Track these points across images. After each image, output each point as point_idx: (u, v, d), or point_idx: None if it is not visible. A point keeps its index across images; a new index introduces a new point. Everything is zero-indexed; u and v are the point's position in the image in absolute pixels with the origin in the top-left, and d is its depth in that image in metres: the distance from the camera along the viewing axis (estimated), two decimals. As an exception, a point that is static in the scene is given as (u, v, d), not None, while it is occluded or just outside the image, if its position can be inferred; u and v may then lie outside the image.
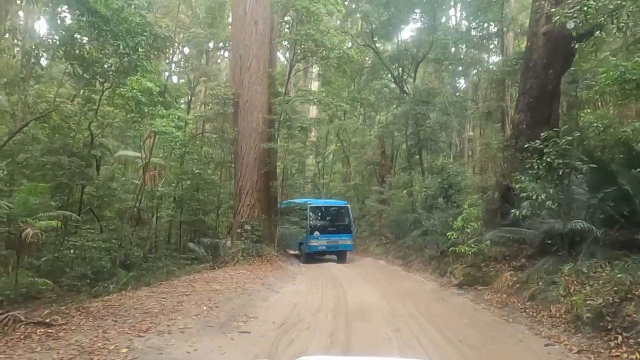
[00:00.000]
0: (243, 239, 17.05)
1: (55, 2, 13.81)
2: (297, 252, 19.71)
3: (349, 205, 19.96)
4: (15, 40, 19.34)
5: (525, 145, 10.21)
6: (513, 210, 9.72)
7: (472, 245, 11.15)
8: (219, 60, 29.46)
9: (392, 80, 25.02)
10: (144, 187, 17.05)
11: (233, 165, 19.76)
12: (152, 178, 23.91)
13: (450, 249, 11.71)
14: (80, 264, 13.40)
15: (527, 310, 8.51)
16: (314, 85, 31.81)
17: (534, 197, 9.09)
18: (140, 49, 13.92)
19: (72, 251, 13.04)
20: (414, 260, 17.04)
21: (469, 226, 11.71)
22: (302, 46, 17.98)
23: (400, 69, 25.48)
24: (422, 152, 21.85)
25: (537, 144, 9.63)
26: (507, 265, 11.17)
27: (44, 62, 20.66)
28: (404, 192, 20.09)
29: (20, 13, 19.75)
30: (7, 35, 19.97)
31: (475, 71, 19.12)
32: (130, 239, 14.92)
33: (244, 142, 17.92)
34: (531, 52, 12.50)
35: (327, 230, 19.05)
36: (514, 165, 11.81)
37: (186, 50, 24.44)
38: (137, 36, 13.28)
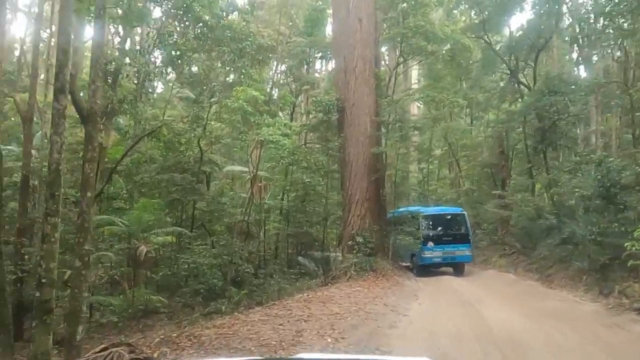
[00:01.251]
0: (355, 252, 15.53)
1: (165, 17, 13.48)
2: (408, 264, 17.75)
3: (465, 213, 17.73)
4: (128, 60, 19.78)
5: None
6: None
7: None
8: (318, 70, 28.59)
9: (508, 73, 22.18)
10: (252, 200, 16.27)
11: (340, 174, 18.38)
12: (259, 191, 23.44)
13: (629, 263, 9.11)
14: (193, 281, 12.73)
15: None
16: (414, 86, 29.76)
17: None
18: (245, 55, 13.14)
19: (186, 266, 12.39)
20: (554, 274, 14.33)
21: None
22: (410, 42, 16.22)
23: (515, 60, 22.57)
24: (546, 150, 18.87)
25: None
26: None
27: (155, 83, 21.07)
28: (536, 194, 17.29)
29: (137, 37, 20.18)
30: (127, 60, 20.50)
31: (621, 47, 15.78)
32: (240, 254, 14.07)
33: (351, 148, 16.49)
34: None
35: (442, 240, 16.98)
36: None
37: (285, 62, 23.77)
38: (242, 42, 12.48)
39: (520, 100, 22.23)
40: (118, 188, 19.50)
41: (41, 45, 20.32)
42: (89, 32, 15.23)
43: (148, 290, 15.24)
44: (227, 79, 16.17)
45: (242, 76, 13.22)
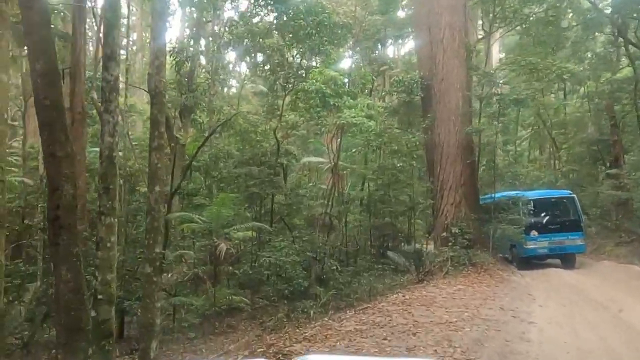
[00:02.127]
0: (450, 244, 13.67)
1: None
2: (506, 255, 15.48)
3: (574, 196, 15.03)
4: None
5: None
6: None
7: None
8: (391, 54, 26.53)
9: (614, 34, 18.97)
10: (333, 191, 14.92)
11: (426, 159, 16.49)
12: (339, 181, 22.06)
13: None
14: (276, 280, 11.60)
15: None
16: (495, 59, 26.72)
17: None
18: (322, 30, 11.72)
19: (267, 262, 11.26)
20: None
21: None
22: (504, 3, 13.94)
23: (622, 20, 19.23)
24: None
25: None
26: None
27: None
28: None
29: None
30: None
31: None
32: (324, 249, 12.74)
33: (441, 129, 14.57)
34: None
35: (549, 228, 14.55)
36: None
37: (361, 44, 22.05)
38: (319, 15, 11.06)
39: (630, 65, 18.98)
40: (198, 184, 19.05)
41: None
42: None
43: (230, 288, 14.45)
44: (303, 61, 14.83)
45: (318, 54, 11.79)
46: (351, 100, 12.15)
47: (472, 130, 13.96)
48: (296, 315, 10.33)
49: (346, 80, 13.24)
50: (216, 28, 15.63)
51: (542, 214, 15.06)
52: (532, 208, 14.82)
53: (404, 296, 10.29)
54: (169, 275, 12.25)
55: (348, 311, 9.35)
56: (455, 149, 14.40)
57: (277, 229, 17.14)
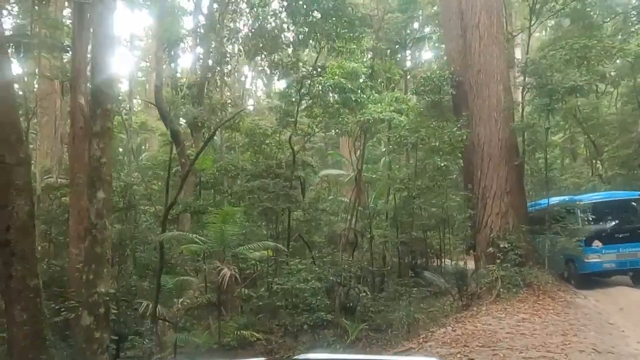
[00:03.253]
0: (499, 261, 11.30)
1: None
2: (560, 272, 12.93)
3: None
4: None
5: None
6: None
7: None
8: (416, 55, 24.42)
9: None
10: (357, 204, 12.77)
11: (462, 164, 14.22)
12: (362, 193, 19.86)
13: None
14: (292, 311, 9.40)
15: None
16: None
17: None
18: (337, 17, 9.72)
19: (280, 290, 9.10)
20: None
21: None
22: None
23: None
24: None
25: None
26: None
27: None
28: None
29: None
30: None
31: None
32: (349, 271, 10.53)
33: (481, 127, 12.32)
34: None
35: (616, 237, 11.97)
36: None
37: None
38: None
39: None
40: (208, 200, 17.12)
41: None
42: None
43: (244, 314, 12.30)
44: (319, 60, 12.85)
45: (336, 41, 9.78)
46: (376, 95, 10.07)
47: (520, 127, 11.66)
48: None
49: (369, 73, 11.16)
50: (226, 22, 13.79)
51: (607, 221, 12.50)
52: (594, 214, 12.24)
53: (454, 330, 8.01)
54: (174, 307, 10.20)
55: (386, 355, 7.10)
56: (499, 150, 12.10)
57: (295, 247, 15.07)
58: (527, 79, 12.12)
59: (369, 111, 9.71)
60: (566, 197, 13.33)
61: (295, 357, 2.19)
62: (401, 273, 16.62)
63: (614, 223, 12.34)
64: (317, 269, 10.52)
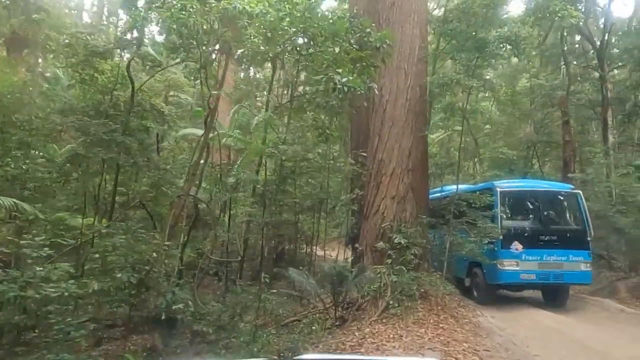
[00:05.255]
0: (389, 262, 8.13)
1: None
2: (460, 276, 10.14)
3: (580, 193, 9.63)
4: None
5: None
6: None
7: None
8: None
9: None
10: (204, 166, 8.67)
11: (351, 129, 10.88)
12: (227, 159, 15.62)
13: None
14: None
15: None
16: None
17: None
18: None
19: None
20: None
21: None
22: None
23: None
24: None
25: None
26: None
27: None
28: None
29: None
30: None
31: None
32: (163, 262, 6.38)
33: (386, 80, 8.97)
34: None
35: (539, 241, 9.15)
36: None
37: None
38: None
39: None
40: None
41: None
42: None
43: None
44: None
45: None
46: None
47: (439, 81, 8.46)
48: None
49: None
50: None
51: (532, 217, 9.83)
52: (514, 207, 9.63)
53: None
54: None
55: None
56: (405, 114, 8.86)
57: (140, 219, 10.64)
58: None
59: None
60: (480, 186, 10.66)
61: (295, 357, 2.05)
62: (263, 265, 12.97)
63: (538, 221, 9.59)
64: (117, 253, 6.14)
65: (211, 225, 11.77)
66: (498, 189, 9.22)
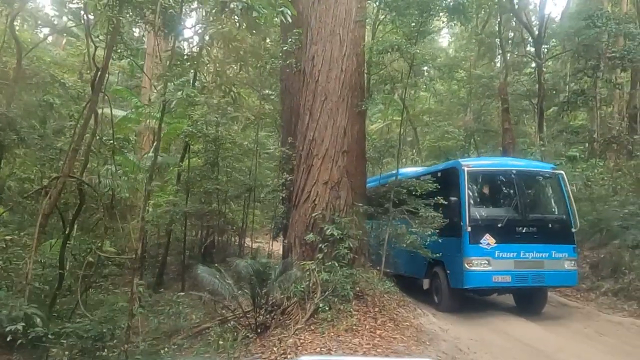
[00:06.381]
0: (320, 257, 6.89)
1: None
2: (420, 279, 8.33)
3: (562, 173, 7.92)
4: None
5: None
6: None
7: None
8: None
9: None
10: (94, 140, 6.95)
11: (283, 105, 9.48)
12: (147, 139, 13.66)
13: None
14: None
15: None
16: None
17: None
18: None
19: None
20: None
21: None
22: None
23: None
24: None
25: None
26: None
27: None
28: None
29: None
30: None
31: None
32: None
33: (319, 48, 7.63)
34: None
35: (516, 233, 7.38)
36: None
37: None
38: None
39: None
40: None
41: None
42: None
43: None
44: None
45: None
46: None
47: (378, 48, 7.22)
48: None
49: None
50: None
51: (503, 205, 7.90)
52: (482, 192, 7.91)
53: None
54: None
55: None
56: (339, 86, 7.56)
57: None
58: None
59: None
60: (433, 168, 9.39)
61: (295, 357, 1.92)
62: (184, 258, 11.33)
63: (514, 209, 7.64)
64: None
65: (124, 216, 10.00)
66: (465, 169, 7.43)
